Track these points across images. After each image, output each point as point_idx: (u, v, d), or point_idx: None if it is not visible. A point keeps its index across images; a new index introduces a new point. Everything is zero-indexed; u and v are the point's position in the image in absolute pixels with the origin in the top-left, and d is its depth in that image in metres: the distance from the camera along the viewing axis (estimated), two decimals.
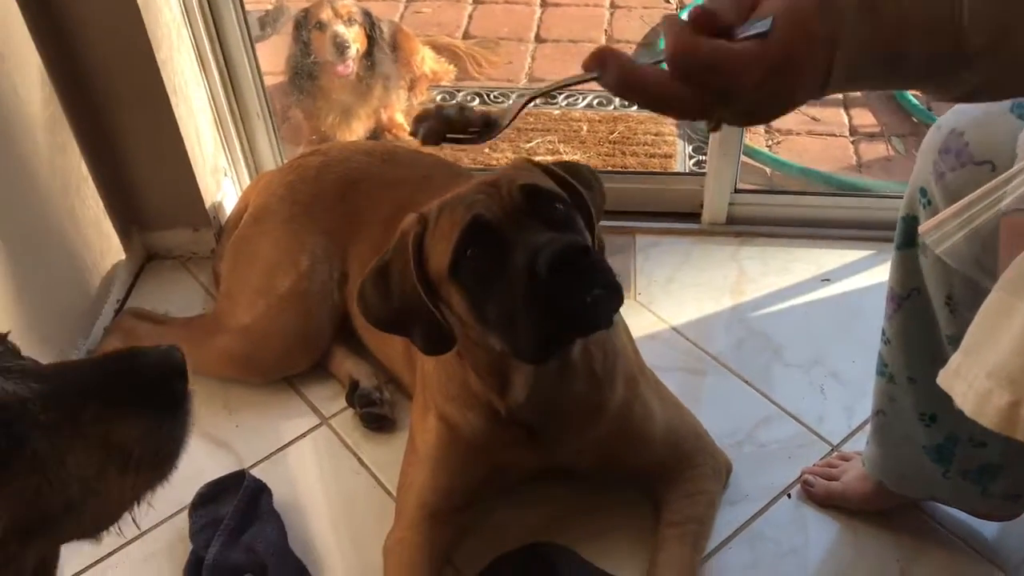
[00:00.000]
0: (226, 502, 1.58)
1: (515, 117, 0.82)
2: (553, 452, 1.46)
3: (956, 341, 1.19)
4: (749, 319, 1.98)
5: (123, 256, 2.09)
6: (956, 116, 1.16)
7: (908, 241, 1.26)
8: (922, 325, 1.29)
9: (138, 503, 0.78)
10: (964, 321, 0.90)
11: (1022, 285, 0.83)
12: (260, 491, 1.61)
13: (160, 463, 0.76)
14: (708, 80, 0.67)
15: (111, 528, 0.79)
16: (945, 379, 0.93)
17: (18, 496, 0.71)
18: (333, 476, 1.72)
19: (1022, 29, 0.65)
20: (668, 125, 2.66)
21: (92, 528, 0.78)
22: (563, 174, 1.33)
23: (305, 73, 2.59)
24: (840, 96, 2.78)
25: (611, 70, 0.69)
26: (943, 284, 1.19)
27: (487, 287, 1.21)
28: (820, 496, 1.61)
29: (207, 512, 1.58)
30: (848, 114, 2.72)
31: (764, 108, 0.70)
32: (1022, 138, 0.96)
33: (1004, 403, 0.84)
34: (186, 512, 1.60)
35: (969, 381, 0.89)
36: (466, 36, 3.13)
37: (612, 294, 1.19)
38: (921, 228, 0.99)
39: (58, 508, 0.73)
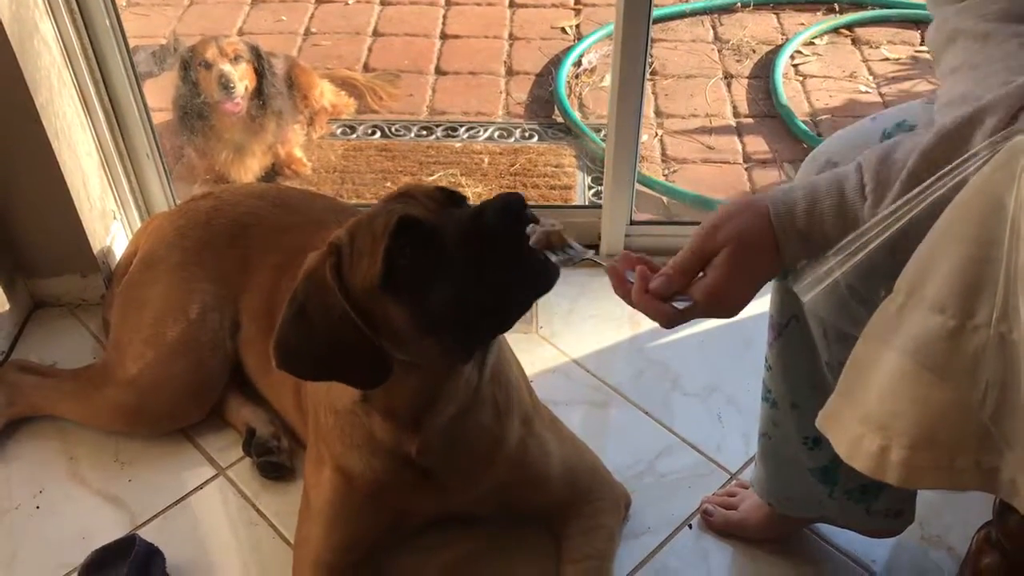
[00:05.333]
0: (116, 569, 1.51)
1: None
2: (452, 496, 1.44)
3: (835, 368, 1.22)
4: (647, 349, 2.00)
5: (7, 306, 2.00)
6: (831, 145, 1.19)
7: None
8: (802, 352, 1.31)
9: None
10: (842, 349, 0.92)
11: (885, 334, 0.86)
12: (152, 555, 1.55)
13: None
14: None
15: None
16: (822, 422, 0.95)
17: None
18: (231, 529, 1.67)
19: None
20: (568, 156, 2.68)
21: None
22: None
23: (195, 113, 2.54)
24: (733, 123, 2.85)
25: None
26: (818, 317, 1.22)
27: (425, 282, 1.15)
28: (719, 525, 1.63)
29: None
30: (742, 141, 2.78)
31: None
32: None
33: (875, 448, 0.87)
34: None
35: (843, 425, 0.92)
36: (366, 69, 3.12)
37: None
38: (792, 282, 1.01)
39: None
